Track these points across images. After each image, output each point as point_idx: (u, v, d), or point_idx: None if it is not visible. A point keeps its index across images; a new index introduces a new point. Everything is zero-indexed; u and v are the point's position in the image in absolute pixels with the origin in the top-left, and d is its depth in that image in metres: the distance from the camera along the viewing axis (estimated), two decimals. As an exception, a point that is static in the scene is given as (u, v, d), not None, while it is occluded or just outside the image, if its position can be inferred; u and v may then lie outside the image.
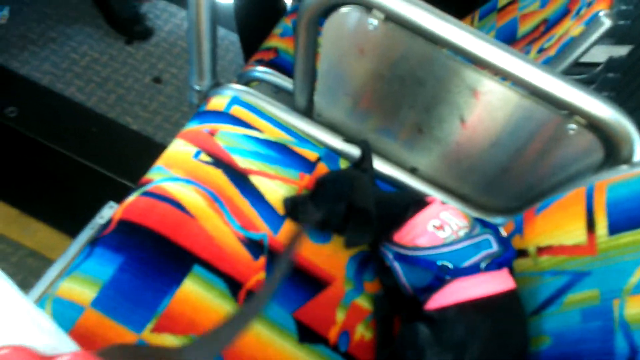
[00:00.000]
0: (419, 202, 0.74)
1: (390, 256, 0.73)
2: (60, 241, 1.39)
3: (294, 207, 0.78)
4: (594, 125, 0.68)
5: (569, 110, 0.69)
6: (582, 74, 1.63)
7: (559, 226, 0.70)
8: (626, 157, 0.68)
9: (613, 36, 1.62)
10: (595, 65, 1.60)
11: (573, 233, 0.67)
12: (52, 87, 1.66)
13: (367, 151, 0.86)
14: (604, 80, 1.57)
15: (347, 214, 0.73)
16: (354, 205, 0.73)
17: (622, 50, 1.57)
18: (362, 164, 0.86)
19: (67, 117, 1.63)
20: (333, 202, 0.75)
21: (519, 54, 0.69)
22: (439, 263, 0.68)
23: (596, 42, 1.08)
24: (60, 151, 1.54)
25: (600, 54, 1.61)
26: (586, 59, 1.74)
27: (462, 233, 0.70)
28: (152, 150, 0.84)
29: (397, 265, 0.72)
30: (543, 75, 0.68)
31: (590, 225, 0.65)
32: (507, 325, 0.67)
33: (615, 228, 0.63)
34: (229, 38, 1.93)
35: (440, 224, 0.71)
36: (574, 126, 0.70)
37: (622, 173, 0.67)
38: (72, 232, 1.23)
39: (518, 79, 0.68)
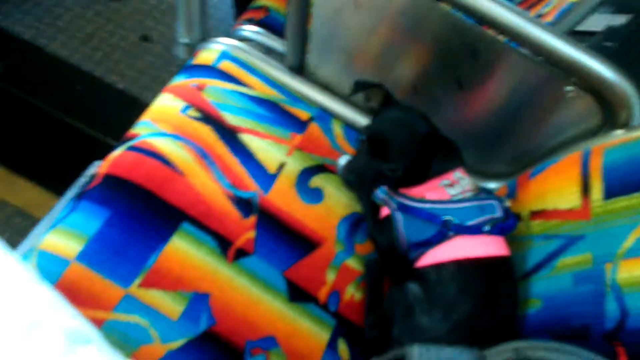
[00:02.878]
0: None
1: (394, 205, 0.71)
2: (47, 200, 1.36)
3: (360, 176, 0.73)
4: (592, 86, 0.67)
5: (568, 71, 0.67)
6: (581, 42, 1.61)
7: (553, 190, 0.69)
8: (624, 120, 0.67)
9: (611, 5, 1.59)
10: (593, 34, 1.58)
11: (567, 197, 0.66)
12: (35, 42, 1.59)
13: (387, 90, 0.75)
14: (601, 49, 1.55)
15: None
16: (432, 133, 0.69)
17: (620, 19, 1.55)
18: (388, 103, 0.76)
19: (51, 73, 1.58)
20: (406, 149, 0.69)
21: (520, 11, 0.66)
22: (444, 217, 0.67)
23: (595, 9, 1.06)
24: (45, 109, 1.49)
25: (598, 23, 1.58)
26: (584, 27, 1.72)
27: (469, 194, 0.70)
28: (138, 110, 0.81)
29: (399, 216, 0.71)
30: (544, 33, 0.66)
31: (585, 190, 0.65)
32: (499, 288, 0.67)
33: (610, 192, 0.62)
34: (218, -5, 1.86)
35: (450, 182, 0.70)
36: (572, 88, 0.68)
37: (619, 137, 0.66)
38: (59, 191, 1.21)
39: (519, 35, 0.66)
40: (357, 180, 0.73)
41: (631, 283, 0.54)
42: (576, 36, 1.60)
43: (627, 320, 0.53)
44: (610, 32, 1.53)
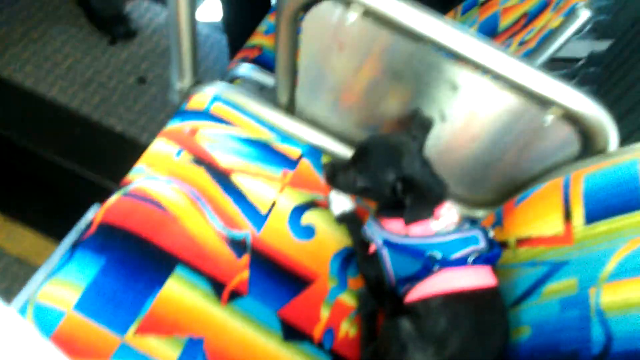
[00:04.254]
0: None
1: (380, 242, 0.73)
2: (46, 247, 1.38)
3: (334, 172, 0.76)
4: (570, 116, 0.69)
5: (546, 102, 0.69)
6: (565, 69, 1.65)
7: (537, 217, 0.71)
8: (602, 147, 0.69)
9: (594, 31, 1.64)
10: (577, 60, 1.62)
11: (551, 223, 0.68)
12: (35, 89, 1.64)
13: (420, 117, 0.79)
14: (585, 74, 1.59)
15: (395, 185, 0.71)
16: (407, 176, 0.70)
17: (603, 45, 1.59)
18: (413, 130, 0.77)
19: (50, 119, 1.62)
20: (380, 170, 0.72)
21: (496, 46, 0.69)
22: (429, 253, 0.69)
23: (575, 34, 1.10)
24: (44, 155, 1.52)
25: (581, 49, 1.63)
26: (568, 54, 1.77)
27: (452, 227, 0.71)
28: (137, 151, 0.83)
29: (385, 252, 0.72)
30: (520, 67, 0.69)
31: (567, 215, 0.66)
32: (489, 319, 0.67)
33: (591, 217, 0.63)
34: (214, 36, 1.92)
35: (436, 216, 0.72)
36: (550, 117, 0.70)
37: (598, 163, 0.68)
38: (59, 236, 1.22)
39: (496, 71, 0.69)
40: (332, 174, 0.76)
41: (614, 307, 0.55)
42: (561, 62, 1.65)
43: (612, 344, 0.53)
44: (593, 58, 1.57)
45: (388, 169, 0.71)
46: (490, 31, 1.21)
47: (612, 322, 0.55)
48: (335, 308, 0.75)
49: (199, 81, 0.93)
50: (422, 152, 0.76)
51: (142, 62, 1.79)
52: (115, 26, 1.79)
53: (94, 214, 1.16)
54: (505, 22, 1.20)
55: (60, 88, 1.66)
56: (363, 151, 0.74)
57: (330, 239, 0.81)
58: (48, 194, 1.47)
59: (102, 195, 0.76)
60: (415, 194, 0.69)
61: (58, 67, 1.71)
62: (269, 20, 1.31)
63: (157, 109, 1.70)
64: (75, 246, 0.69)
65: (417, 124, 0.77)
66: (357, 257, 0.80)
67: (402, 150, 0.73)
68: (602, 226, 0.62)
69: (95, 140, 1.62)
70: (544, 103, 0.71)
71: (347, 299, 0.77)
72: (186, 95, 0.91)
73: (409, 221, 0.70)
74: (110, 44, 1.79)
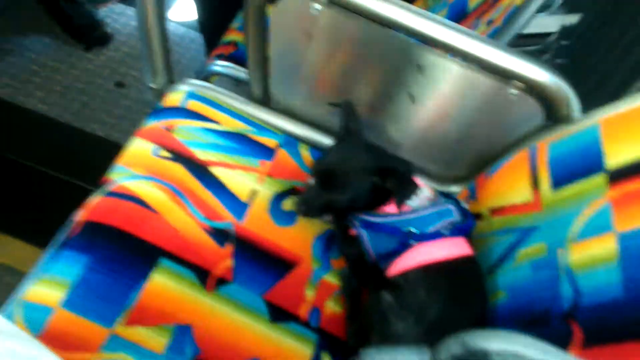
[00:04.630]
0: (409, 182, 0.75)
1: (357, 223, 0.75)
2: (35, 255, 1.37)
3: (308, 207, 0.76)
4: (532, 88, 0.71)
5: (508, 77, 0.72)
6: (538, 44, 1.68)
7: (508, 187, 0.73)
8: (564, 116, 0.71)
9: (564, 5, 1.67)
10: (549, 35, 1.65)
11: (520, 192, 0.70)
12: (13, 100, 1.63)
13: (351, 111, 0.81)
14: (558, 48, 1.62)
15: (373, 182, 0.73)
16: (380, 167, 0.73)
17: (573, 19, 1.62)
18: (349, 126, 0.80)
19: (31, 129, 1.61)
20: (354, 178, 0.74)
21: (457, 27, 0.71)
22: (405, 229, 0.71)
23: (546, 9, 1.12)
24: (27, 164, 1.52)
25: (553, 24, 1.65)
26: (540, 29, 1.79)
27: (427, 202, 0.74)
28: (120, 154, 0.85)
29: (363, 232, 0.75)
30: (481, 45, 0.71)
31: (535, 183, 0.69)
32: (466, 285, 0.70)
33: (557, 182, 0.66)
34: (189, 36, 1.93)
35: None
36: (514, 91, 0.73)
37: (561, 131, 0.70)
38: (47, 244, 1.23)
39: (458, 50, 0.71)
40: (308, 210, 0.77)
41: (581, 264, 0.58)
42: (534, 38, 1.68)
43: (580, 299, 0.56)
44: (565, 31, 1.60)
45: (361, 174, 0.74)
46: (460, 12, 1.23)
47: (580, 279, 0.58)
48: (319, 288, 0.77)
49: (172, 80, 0.94)
50: (370, 142, 0.80)
51: (120, 66, 1.80)
52: (89, 32, 1.79)
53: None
54: (473, 2, 1.22)
55: (39, 97, 1.66)
56: (327, 173, 0.76)
57: (311, 222, 0.83)
58: (35, 203, 1.47)
59: (87, 200, 0.78)
60: (394, 178, 0.72)
61: (36, 77, 1.70)
62: (243, 16, 1.32)
63: (138, 112, 1.70)
64: (60, 246, 0.71)
65: (346, 116, 0.80)
66: (337, 239, 0.82)
67: (359, 152, 0.76)
68: (568, 190, 0.65)
69: (79, 147, 1.62)
70: (506, 78, 0.73)
71: (331, 279, 0.79)
72: (161, 94, 0.92)
73: (401, 202, 0.72)
74: (86, 51, 1.79)
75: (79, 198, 1.44)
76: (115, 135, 1.64)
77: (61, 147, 1.59)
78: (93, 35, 1.80)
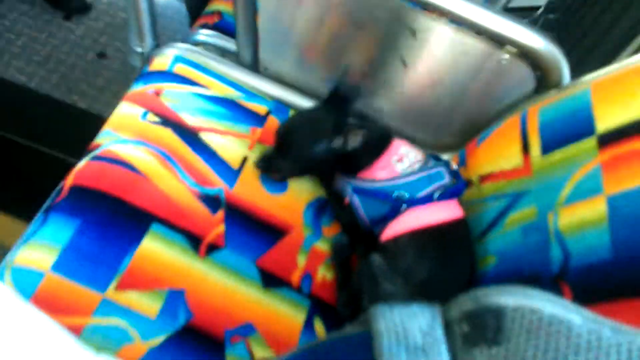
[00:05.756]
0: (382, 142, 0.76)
1: (349, 190, 0.75)
2: (18, 228, 1.35)
3: (267, 165, 0.79)
4: (524, 53, 0.72)
5: (501, 41, 0.72)
6: (524, 17, 1.68)
7: (498, 153, 0.74)
8: (556, 82, 0.72)
9: (551, -22, 1.67)
10: (536, 8, 1.65)
11: (510, 157, 0.71)
12: (-11, 71, 1.58)
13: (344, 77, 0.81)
14: (545, 21, 1.62)
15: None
16: (340, 125, 0.73)
17: (559, -8, 1.62)
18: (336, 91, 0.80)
19: (9, 100, 1.57)
20: (306, 145, 0.75)
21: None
22: (396, 194, 0.71)
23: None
24: (7, 137, 1.48)
25: (540, -2, 1.66)
26: (527, 3, 1.79)
27: (417, 166, 0.74)
28: (102, 127, 0.83)
29: (355, 199, 0.75)
30: (476, 9, 0.71)
31: (525, 148, 0.69)
32: (455, 248, 0.71)
33: (547, 147, 0.67)
34: (173, 6, 1.88)
35: (398, 158, 0.74)
36: (506, 56, 0.73)
37: (552, 96, 0.71)
38: (30, 217, 1.22)
39: (453, 13, 0.70)
40: (265, 169, 0.79)
41: (571, 227, 0.59)
42: (521, 12, 1.68)
43: (570, 261, 0.57)
44: (551, 5, 1.60)
45: (312, 137, 0.75)
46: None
47: (570, 242, 0.59)
48: (311, 255, 0.77)
49: (158, 45, 0.92)
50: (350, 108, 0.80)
51: (101, 37, 1.74)
52: (69, 1, 1.73)
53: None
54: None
55: (17, 68, 1.61)
56: (279, 137, 0.78)
57: (302, 190, 0.82)
58: (16, 176, 1.44)
59: (69, 172, 0.76)
60: (354, 134, 0.72)
61: (12, 46, 1.64)
62: (230, -19, 1.29)
63: (120, 83, 1.66)
64: (47, 210, 0.69)
65: (332, 98, 0.80)
66: (330, 205, 0.82)
67: (319, 115, 0.78)
68: (558, 154, 0.65)
69: (59, 119, 1.58)
70: (499, 43, 0.73)
71: (322, 246, 0.79)
72: (147, 58, 0.90)
73: (368, 158, 0.72)
74: (66, 20, 1.73)
75: (60, 170, 1.42)
76: (97, 107, 1.61)
77: (41, 119, 1.55)
78: (72, 4, 1.74)
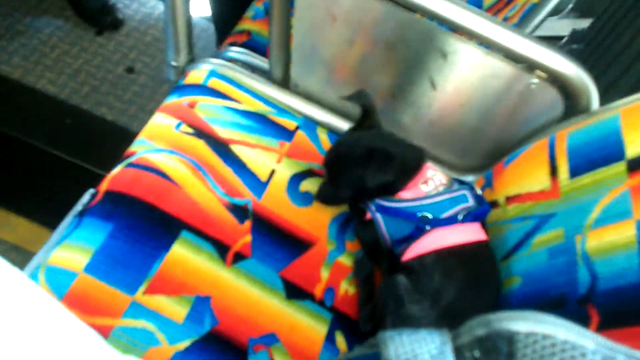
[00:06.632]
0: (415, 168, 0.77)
1: (373, 208, 0.76)
2: (41, 234, 1.38)
3: (323, 199, 0.82)
4: (554, 78, 0.73)
5: (531, 66, 0.73)
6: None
7: (525, 175, 0.75)
8: (584, 107, 0.73)
9: (575, 10, 1.69)
10: (560, 38, 1.67)
11: (538, 180, 0.72)
12: (23, 81, 1.64)
13: (370, 106, 0.81)
14: (569, 52, 1.63)
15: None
16: (372, 150, 0.74)
17: (584, 23, 1.64)
18: (364, 122, 0.82)
19: (40, 110, 1.62)
20: (355, 172, 0.76)
21: (483, 13, 0.72)
22: (420, 214, 0.72)
23: (556, 13, 1.14)
24: (35, 145, 1.52)
25: (564, 28, 1.67)
26: (551, 32, 1.81)
27: (441, 188, 0.75)
28: (128, 140, 0.85)
29: (379, 217, 0.75)
30: (507, 33, 0.72)
31: (554, 171, 0.70)
32: (481, 270, 0.71)
33: (575, 171, 0.67)
34: (201, 25, 1.93)
35: (424, 180, 0.75)
36: (536, 80, 0.74)
37: (581, 121, 0.71)
38: (53, 225, 1.24)
39: (484, 37, 0.72)
40: (324, 200, 0.83)
41: (599, 250, 0.59)
42: (545, 41, 1.70)
43: (597, 283, 0.57)
44: (575, 36, 1.62)
45: (358, 164, 0.75)
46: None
47: (597, 264, 0.59)
48: (334, 269, 0.78)
49: (193, 58, 0.95)
50: (382, 130, 0.81)
51: (130, 52, 1.80)
52: (101, 17, 1.79)
53: (88, 198, 1.18)
54: (488, 0, 1.24)
55: (49, 79, 1.66)
56: (330, 168, 0.81)
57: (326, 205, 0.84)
58: (41, 184, 1.48)
59: (94, 183, 0.79)
60: (376, 158, 0.73)
61: (46, 59, 1.70)
62: (257, 5, 1.33)
63: (146, 98, 1.71)
64: (82, 214, 0.71)
65: (362, 104, 0.81)
66: (353, 223, 0.83)
67: (358, 142, 0.78)
68: (586, 178, 0.66)
69: (86, 129, 1.62)
70: (529, 67, 0.74)
71: (346, 261, 0.80)
72: (182, 71, 0.93)
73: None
74: (98, 35, 1.79)
75: (84, 179, 1.45)
76: (123, 119, 1.65)
77: (69, 129, 1.60)
78: (105, 20, 1.80)
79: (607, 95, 1.32)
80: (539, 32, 1.55)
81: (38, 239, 1.37)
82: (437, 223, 0.72)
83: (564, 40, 1.65)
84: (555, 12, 1.22)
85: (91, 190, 1.27)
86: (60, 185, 1.48)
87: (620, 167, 0.62)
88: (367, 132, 0.81)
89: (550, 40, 1.69)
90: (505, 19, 1.14)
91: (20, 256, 1.34)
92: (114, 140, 1.59)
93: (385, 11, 0.76)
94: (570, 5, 1.64)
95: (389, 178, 0.74)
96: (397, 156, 0.73)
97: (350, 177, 0.77)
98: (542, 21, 1.10)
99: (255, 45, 1.21)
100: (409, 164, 0.76)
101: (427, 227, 0.72)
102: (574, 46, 1.61)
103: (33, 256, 1.12)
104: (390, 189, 0.76)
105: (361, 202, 0.80)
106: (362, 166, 0.74)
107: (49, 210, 1.34)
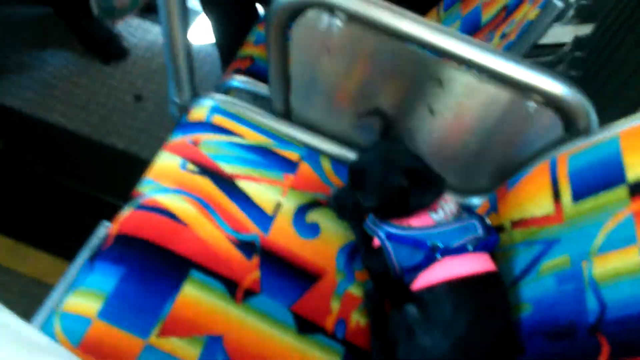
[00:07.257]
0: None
1: (382, 235, 0.77)
2: (58, 266, 1.40)
3: (340, 205, 0.82)
4: (551, 102, 0.73)
5: (527, 90, 0.73)
6: (551, 54, 1.69)
7: (528, 199, 0.75)
8: (583, 129, 0.73)
9: (577, 16, 1.68)
10: (562, 45, 1.66)
11: (541, 204, 0.72)
12: (35, 114, 1.67)
13: (390, 118, 0.84)
14: (572, 59, 1.62)
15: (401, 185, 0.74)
16: (410, 168, 0.74)
17: (586, 29, 1.62)
18: (388, 133, 0.84)
19: (52, 142, 1.65)
20: (384, 180, 0.75)
21: (476, 41, 0.73)
22: (430, 243, 0.72)
23: (557, 20, 1.14)
24: (49, 177, 1.55)
25: (566, 34, 1.66)
26: (553, 39, 1.80)
27: (452, 217, 0.75)
28: (140, 167, 0.87)
29: (388, 245, 0.76)
30: (500, 59, 0.73)
31: (556, 195, 0.70)
32: (491, 301, 0.71)
33: (578, 195, 0.67)
34: (205, 50, 1.96)
35: (434, 208, 0.76)
36: (533, 105, 0.74)
37: (581, 144, 0.72)
38: (70, 256, 1.26)
39: (477, 64, 0.73)
40: (339, 208, 0.81)
41: (605, 277, 0.59)
42: (546, 49, 1.69)
43: (606, 312, 0.57)
44: (578, 42, 1.61)
45: (390, 174, 0.75)
46: (473, 25, 1.25)
47: (605, 291, 0.59)
48: (344, 300, 0.79)
49: (196, 94, 0.97)
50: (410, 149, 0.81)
51: (137, 80, 1.83)
52: (107, 46, 1.83)
53: (103, 230, 1.20)
54: (486, 15, 1.24)
55: (60, 111, 1.69)
56: (357, 172, 0.79)
57: (334, 235, 0.84)
58: (56, 215, 1.50)
59: (108, 213, 0.80)
60: (418, 179, 0.74)
61: (56, 91, 1.74)
62: (258, 29, 1.35)
63: (156, 125, 1.73)
64: (93, 259, 0.73)
65: (381, 120, 0.84)
66: (360, 251, 0.84)
67: (392, 152, 0.78)
68: (589, 202, 0.66)
69: (98, 160, 1.65)
70: (526, 92, 0.75)
71: (355, 291, 0.80)
72: (185, 108, 0.95)
73: (413, 205, 0.73)
74: (104, 64, 1.83)
75: (98, 209, 1.47)
76: (134, 148, 1.67)
77: (81, 160, 1.62)
78: (111, 49, 1.83)
79: (614, 102, 1.32)
80: (541, 40, 1.54)
81: (56, 271, 1.39)
82: (448, 252, 0.72)
83: (567, 47, 1.64)
84: (556, 18, 1.22)
85: (105, 223, 1.29)
86: (76, 216, 1.50)
87: (622, 191, 0.62)
88: (401, 144, 0.81)
89: (553, 47, 1.68)
90: (504, 36, 1.14)
91: (40, 289, 1.36)
92: (126, 169, 1.61)
93: (379, 42, 0.77)
94: (572, 12, 1.63)
95: (427, 202, 0.74)
96: (434, 182, 0.74)
97: (383, 188, 0.76)
98: (542, 35, 1.09)
99: (258, 70, 1.23)
100: (434, 184, 0.76)
101: (438, 256, 0.72)
102: (577, 53, 1.61)
103: (51, 288, 1.15)
104: (405, 211, 0.76)
105: (371, 223, 0.80)
106: (399, 181, 0.74)
107: (65, 242, 1.35)
